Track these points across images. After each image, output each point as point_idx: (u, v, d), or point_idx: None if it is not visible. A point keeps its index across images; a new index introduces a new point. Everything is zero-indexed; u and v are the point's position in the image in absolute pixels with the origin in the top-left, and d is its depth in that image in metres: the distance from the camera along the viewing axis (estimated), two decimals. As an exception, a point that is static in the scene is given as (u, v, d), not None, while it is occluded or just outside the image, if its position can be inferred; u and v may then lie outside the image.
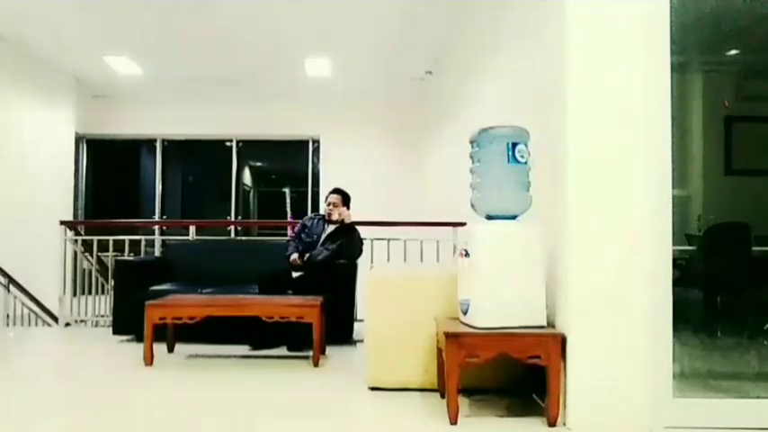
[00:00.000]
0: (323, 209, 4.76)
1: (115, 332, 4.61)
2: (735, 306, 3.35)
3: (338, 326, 4.24)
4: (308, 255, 4.49)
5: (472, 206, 2.87)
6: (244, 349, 4.18)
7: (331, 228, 4.54)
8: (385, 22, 6.08)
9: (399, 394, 3.02)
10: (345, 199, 4.63)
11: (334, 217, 4.50)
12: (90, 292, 5.68)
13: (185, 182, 11.24)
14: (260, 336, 4.17)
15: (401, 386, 3.08)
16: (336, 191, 4.67)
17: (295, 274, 4.39)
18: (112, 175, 10.26)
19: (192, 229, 5.77)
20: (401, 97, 8.84)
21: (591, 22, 2.58)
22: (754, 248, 3.45)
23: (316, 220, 4.70)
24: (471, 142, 2.86)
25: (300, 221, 4.83)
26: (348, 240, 4.45)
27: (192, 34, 6.52)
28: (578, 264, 2.55)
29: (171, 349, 4.08)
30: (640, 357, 2.51)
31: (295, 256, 4.50)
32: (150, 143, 9.71)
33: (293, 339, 4.09)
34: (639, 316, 2.52)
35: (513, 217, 2.76)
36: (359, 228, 4.58)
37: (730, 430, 2.47)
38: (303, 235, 4.64)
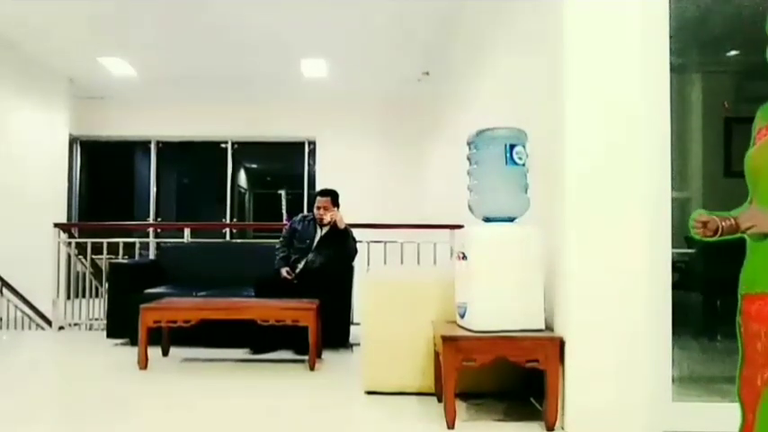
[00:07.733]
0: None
1: (109, 335, 4.56)
2: (735, 309, 3.32)
3: (334, 329, 4.20)
4: (303, 262, 4.38)
5: (470, 208, 2.85)
6: (239, 353, 4.14)
7: (324, 230, 4.44)
8: (382, 23, 6.07)
9: (396, 398, 2.99)
10: (334, 199, 4.47)
11: (326, 220, 4.36)
12: (84, 295, 5.64)
13: (180, 184, 11.20)
14: (262, 340, 4.11)
15: (398, 390, 3.05)
16: (323, 193, 4.51)
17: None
18: (107, 177, 10.20)
19: (187, 231, 5.74)
20: (398, 99, 8.81)
21: (589, 22, 2.56)
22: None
23: (306, 222, 4.55)
24: (469, 144, 2.84)
25: (289, 223, 4.69)
26: (343, 244, 4.39)
27: (187, 35, 6.49)
28: (577, 266, 2.53)
29: (166, 353, 4.04)
30: (639, 361, 2.49)
31: (284, 272, 4.33)
32: (145, 145, 9.67)
33: (300, 343, 3.89)
34: (638, 319, 2.50)
35: (511, 219, 2.74)
36: (354, 229, 4.52)
37: (730, 435, 2.45)
38: (294, 240, 4.51)
